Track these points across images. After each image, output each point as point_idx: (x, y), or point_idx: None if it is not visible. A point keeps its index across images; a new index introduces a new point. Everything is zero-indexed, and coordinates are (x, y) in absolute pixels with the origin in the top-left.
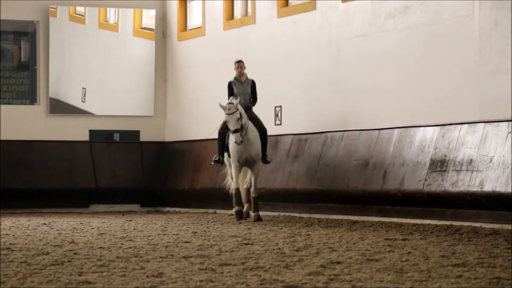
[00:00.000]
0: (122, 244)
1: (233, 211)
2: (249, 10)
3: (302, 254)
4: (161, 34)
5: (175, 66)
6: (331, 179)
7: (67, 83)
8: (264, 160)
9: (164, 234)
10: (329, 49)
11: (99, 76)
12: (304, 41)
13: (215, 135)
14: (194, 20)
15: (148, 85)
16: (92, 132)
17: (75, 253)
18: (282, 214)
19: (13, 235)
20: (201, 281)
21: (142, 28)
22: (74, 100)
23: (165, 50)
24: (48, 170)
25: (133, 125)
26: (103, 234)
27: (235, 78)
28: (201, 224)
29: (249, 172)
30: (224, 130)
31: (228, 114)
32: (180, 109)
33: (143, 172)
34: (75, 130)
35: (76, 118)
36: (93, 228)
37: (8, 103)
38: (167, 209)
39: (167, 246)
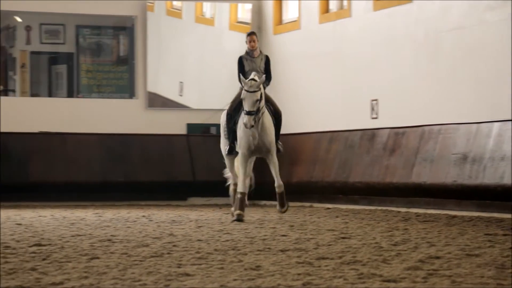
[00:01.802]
0: (219, 237)
1: (233, 213)
2: (345, 3)
3: (400, 248)
4: (256, 28)
5: (271, 60)
6: (429, 173)
7: (164, 77)
8: (277, 149)
9: (261, 227)
10: (426, 41)
11: (195, 70)
12: (400, 34)
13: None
14: (289, 13)
15: None
16: (189, 126)
17: (174, 245)
18: (379, 208)
19: (114, 227)
20: (298, 274)
21: (238, 22)
22: (171, 94)
23: (261, 43)
24: (146, 163)
25: None
26: (201, 226)
27: (247, 52)
28: (298, 218)
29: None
30: (234, 112)
31: (247, 91)
32: (276, 103)
33: None
34: (172, 124)
35: (173, 112)
36: (191, 221)
37: (108, 97)
38: (264, 202)
39: (264, 239)
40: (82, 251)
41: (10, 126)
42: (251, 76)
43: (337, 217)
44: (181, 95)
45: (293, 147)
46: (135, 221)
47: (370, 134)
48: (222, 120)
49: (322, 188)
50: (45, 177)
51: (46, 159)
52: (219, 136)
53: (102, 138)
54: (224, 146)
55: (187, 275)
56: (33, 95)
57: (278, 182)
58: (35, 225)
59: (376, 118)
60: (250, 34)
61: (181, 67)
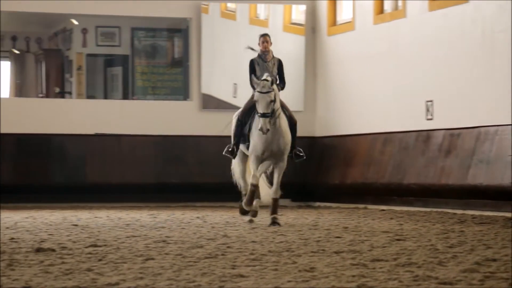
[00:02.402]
0: (273, 238)
1: (240, 207)
2: (400, 4)
3: (456, 250)
4: (310, 29)
5: (324, 61)
6: (485, 174)
7: (218, 79)
8: (297, 155)
9: (315, 229)
10: (482, 42)
11: (248, 72)
12: (456, 34)
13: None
14: (344, 14)
15: (297, 80)
16: None
17: (228, 247)
18: (434, 210)
19: (169, 228)
20: (353, 276)
21: (292, 23)
22: (225, 95)
23: (315, 45)
24: (201, 164)
25: None
26: (255, 228)
27: (259, 55)
28: (352, 219)
29: (264, 166)
30: (245, 117)
31: (260, 92)
32: (330, 104)
33: (293, 167)
34: None
35: (227, 114)
36: (245, 222)
37: (162, 99)
38: (317, 204)
39: (318, 241)
40: (137, 252)
41: (67, 127)
42: (264, 76)
43: (391, 219)
44: (235, 97)
45: (347, 148)
46: (189, 222)
47: (425, 136)
48: (233, 125)
49: (377, 190)
50: (100, 178)
51: (102, 160)
52: None
53: (157, 139)
54: (239, 157)
55: (241, 276)
56: (89, 97)
57: (275, 188)
58: (91, 226)
59: (431, 119)
60: (264, 35)
61: (235, 68)
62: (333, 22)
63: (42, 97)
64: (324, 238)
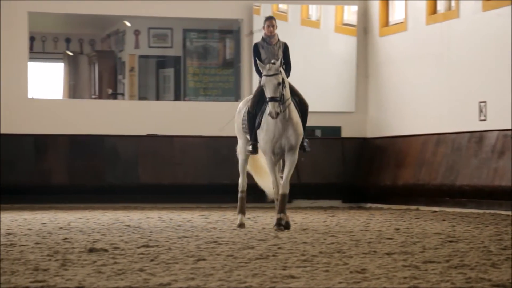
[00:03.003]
0: (324, 239)
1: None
2: (453, 4)
3: (510, 252)
4: (362, 30)
5: (376, 62)
6: None
7: None
8: (302, 147)
9: (366, 230)
10: None
11: (301, 73)
12: (510, 34)
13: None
14: (396, 15)
15: (349, 81)
16: None
17: (279, 248)
18: (487, 211)
19: (220, 229)
20: (405, 278)
21: (343, 24)
22: None
23: (367, 45)
24: None
25: (334, 121)
26: (306, 229)
27: (263, 39)
28: (404, 221)
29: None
30: (255, 109)
31: (267, 75)
32: (381, 105)
33: (344, 168)
34: None
35: None
36: (296, 223)
37: (214, 100)
38: (369, 205)
39: (369, 242)
40: (189, 252)
41: (119, 129)
42: (272, 61)
43: (444, 220)
44: None
45: (399, 149)
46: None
47: (478, 137)
48: (237, 117)
49: (429, 191)
50: (152, 179)
51: (154, 161)
52: (325, 138)
53: (208, 140)
54: (242, 146)
55: (292, 277)
56: (141, 98)
57: (285, 182)
58: (143, 226)
59: (484, 120)
60: (269, 19)
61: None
62: (385, 22)
63: (95, 98)
64: (375, 239)
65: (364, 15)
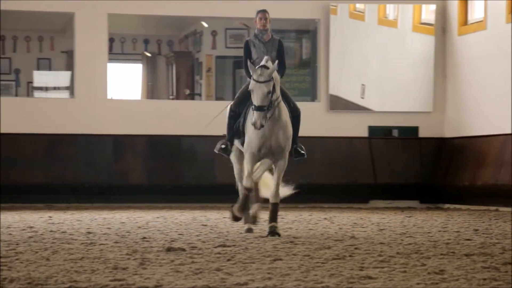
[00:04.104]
0: (402, 240)
1: (231, 212)
2: None
3: None
4: (440, 29)
5: (454, 61)
6: None
7: (346, 80)
8: (297, 152)
9: (444, 231)
10: None
11: (378, 73)
12: None
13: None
14: (475, 14)
15: (427, 81)
16: (371, 128)
17: (355, 248)
18: None
19: (296, 229)
20: (484, 279)
21: (421, 23)
22: (353, 96)
23: (445, 45)
24: (328, 166)
25: (411, 121)
26: (383, 229)
27: (255, 35)
28: (483, 222)
29: (263, 165)
30: (238, 107)
31: (257, 81)
32: (460, 105)
33: (421, 168)
34: (354, 126)
35: (355, 115)
36: (373, 224)
37: None
38: (446, 205)
39: (448, 243)
40: (266, 252)
41: (196, 129)
42: (263, 62)
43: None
44: (362, 98)
45: (477, 149)
46: (316, 223)
47: None
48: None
49: (509, 192)
50: (229, 179)
51: (229, 161)
52: (402, 138)
53: None
54: (236, 151)
55: (370, 278)
56: (218, 98)
57: (275, 190)
58: (220, 226)
59: None
60: (262, 11)
61: (363, 69)
62: (464, 21)
63: (172, 98)
64: (453, 240)
65: (442, 14)
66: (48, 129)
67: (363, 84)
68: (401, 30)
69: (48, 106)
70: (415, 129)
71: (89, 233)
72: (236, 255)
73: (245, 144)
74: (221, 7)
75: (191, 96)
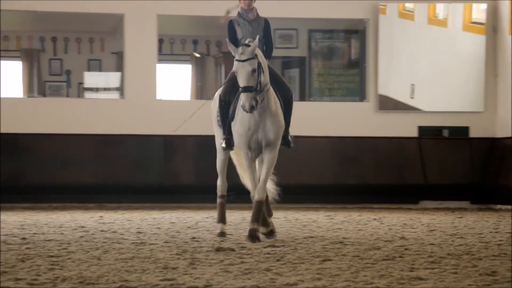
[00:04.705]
0: (453, 241)
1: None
2: None
3: None
4: (491, 28)
5: (506, 60)
6: None
7: (395, 79)
8: (286, 141)
9: (496, 232)
10: None
11: (428, 72)
12: None
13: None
14: None
15: (477, 81)
16: (420, 129)
17: (405, 249)
18: None
19: (345, 230)
20: None
21: (472, 22)
22: (402, 96)
23: (496, 44)
24: (377, 166)
25: (462, 121)
26: (433, 230)
27: (239, 14)
28: None
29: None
30: (228, 97)
31: (239, 60)
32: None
33: (472, 168)
34: (403, 127)
35: (404, 115)
36: (423, 224)
37: (339, 100)
38: (498, 206)
39: (499, 245)
40: (315, 252)
41: None
42: (246, 41)
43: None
44: (412, 98)
45: None
46: (366, 224)
47: None
48: (213, 107)
49: None
50: (277, 179)
51: (279, 161)
52: (452, 139)
53: (333, 141)
54: (219, 139)
55: (420, 279)
56: None
57: (261, 186)
58: None
59: None
60: None
61: (413, 69)
62: None
63: None
64: (505, 241)
65: (493, 13)
66: (98, 130)
67: (412, 84)
68: (451, 29)
69: (98, 106)
70: (465, 129)
71: (139, 232)
72: (286, 255)
73: (234, 139)
74: (269, 7)
75: None
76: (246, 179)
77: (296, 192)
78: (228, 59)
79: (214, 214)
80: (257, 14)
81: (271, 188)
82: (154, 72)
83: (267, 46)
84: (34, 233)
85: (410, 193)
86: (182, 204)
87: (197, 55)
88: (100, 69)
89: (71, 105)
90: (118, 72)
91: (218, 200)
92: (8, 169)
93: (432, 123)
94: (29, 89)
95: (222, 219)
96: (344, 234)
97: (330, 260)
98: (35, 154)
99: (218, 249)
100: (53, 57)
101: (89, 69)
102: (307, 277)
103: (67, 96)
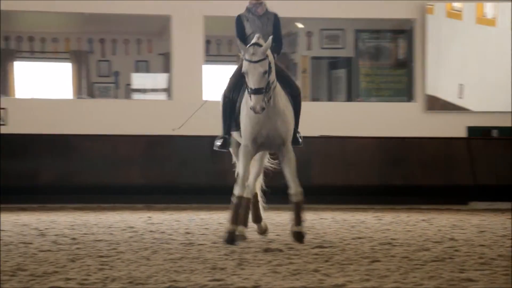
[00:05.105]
0: (503, 242)
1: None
2: None
3: None
4: None
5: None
6: None
7: (443, 79)
8: (294, 139)
9: None
10: None
11: (476, 72)
12: None
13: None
14: None
15: None
16: (469, 129)
17: (455, 250)
18: None
19: (394, 231)
20: None
21: None
22: (450, 96)
23: None
24: (425, 166)
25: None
26: (483, 231)
27: (248, 9)
28: None
29: (257, 165)
30: (233, 93)
31: (250, 61)
32: None
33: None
34: (451, 127)
35: (453, 115)
36: (473, 225)
37: (386, 101)
38: None
39: None
40: (363, 254)
41: None
42: (254, 40)
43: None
44: (460, 98)
45: None
46: (415, 224)
47: None
48: (221, 105)
49: None
50: (325, 180)
51: (327, 162)
52: (502, 139)
53: (381, 141)
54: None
55: (470, 280)
56: (313, 99)
57: (294, 187)
58: (316, 227)
59: None
60: None
61: (461, 69)
62: None
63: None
64: None
65: None
66: (146, 130)
67: (461, 84)
68: (500, 29)
69: (146, 107)
70: None
71: (188, 233)
72: (334, 256)
73: (235, 136)
74: (316, 8)
75: None
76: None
77: (343, 193)
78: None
79: (263, 215)
80: (267, 9)
81: (258, 189)
82: (201, 73)
83: (276, 42)
84: (84, 233)
85: (459, 194)
86: (230, 205)
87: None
88: (147, 70)
89: (119, 106)
90: (165, 73)
91: (239, 202)
92: (58, 170)
93: (481, 124)
94: (78, 91)
95: (237, 221)
96: (393, 235)
97: (378, 261)
98: (85, 155)
99: (266, 250)
100: (101, 58)
101: (136, 70)
102: (356, 278)
103: (115, 97)
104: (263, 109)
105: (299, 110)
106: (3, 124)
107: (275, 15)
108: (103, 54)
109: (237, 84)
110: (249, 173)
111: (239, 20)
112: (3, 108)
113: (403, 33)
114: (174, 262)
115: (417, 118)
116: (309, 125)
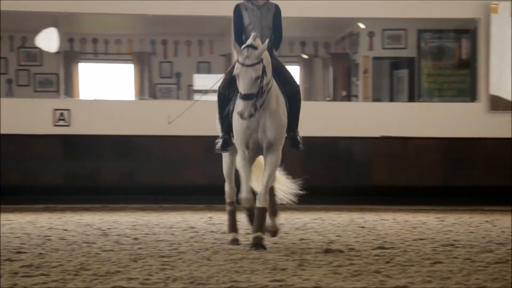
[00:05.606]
0: None
1: (228, 236)
2: None
3: None
4: None
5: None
6: None
7: (508, 79)
8: (294, 142)
9: None
10: None
11: None
12: None
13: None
14: None
15: None
16: None
17: None
18: None
19: (456, 232)
20: None
21: None
22: None
23: None
24: (489, 167)
25: None
26: None
27: None
28: None
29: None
30: (227, 90)
31: (243, 64)
32: None
33: None
34: None
35: None
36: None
37: (449, 101)
38: None
39: None
40: (425, 255)
41: (353, 130)
42: (250, 40)
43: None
44: None
45: None
46: (477, 226)
47: None
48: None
49: None
50: (387, 181)
51: (388, 163)
52: None
53: (443, 142)
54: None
55: None
56: (375, 100)
57: (262, 192)
58: (377, 228)
59: None
60: None
61: None
62: None
63: (329, 100)
64: None
65: None
66: (207, 131)
67: None
68: None
69: (207, 108)
70: None
71: (248, 233)
72: (395, 257)
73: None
74: (378, 7)
75: (348, 98)
76: (254, 182)
77: (405, 194)
78: (336, 60)
79: (323, 215)
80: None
81: (283, 190)
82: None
83: (275, 34)
84: (146, 234)
85: None
86: (290, 206)
87: (305, 56)
88: (209, 71)
89: (181, 107)
90: None
91: (228, 208)
92: (121, 171)
93: None
94: (140, 92)
95: (233, 228)
96: (455, 237)
97: (440, 262)
98: (146, 155)
99: (327, 251)
100: (163, 59)
101: (198, 71)
102: (417, 280)
103: (177, 98)
104: (251, 115)
105: (298, 109)
106: (67, 125)
107: (276, 6)
108: (165, 55)
109: (232, 80)
110: (250, 181)
111: (237, 9)
112: (67, 110)
113: (467, 32)
114: (235, 262)
115: (480, 118)
116: (370, 126)
